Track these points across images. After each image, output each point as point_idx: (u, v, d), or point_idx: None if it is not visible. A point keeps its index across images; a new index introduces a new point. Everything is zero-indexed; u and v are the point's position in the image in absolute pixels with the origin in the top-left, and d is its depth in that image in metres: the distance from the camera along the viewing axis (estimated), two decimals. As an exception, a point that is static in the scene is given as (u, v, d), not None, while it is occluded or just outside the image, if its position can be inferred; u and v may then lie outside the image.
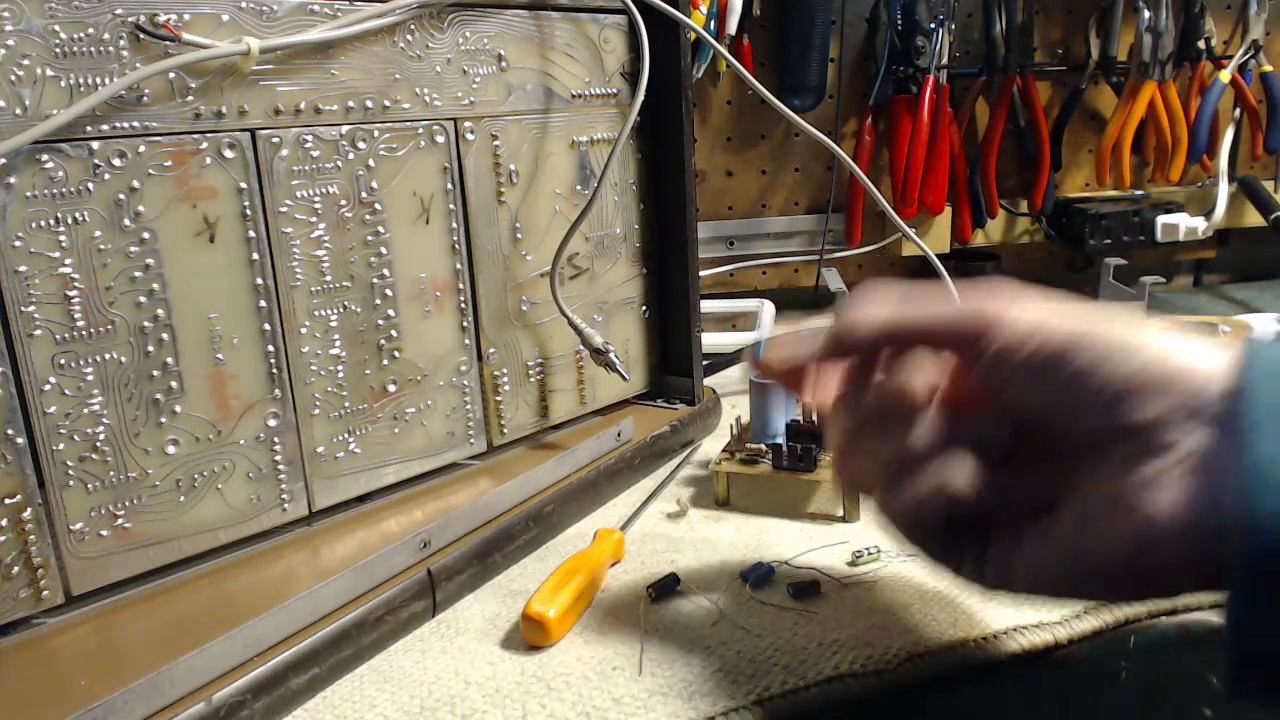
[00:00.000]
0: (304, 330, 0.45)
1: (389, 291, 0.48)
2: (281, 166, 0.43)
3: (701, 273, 0.76)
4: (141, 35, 0.38)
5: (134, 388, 0.40)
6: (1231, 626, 0.28)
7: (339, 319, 0.46)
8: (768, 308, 0.86)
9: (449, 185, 0.49)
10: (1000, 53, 0.91)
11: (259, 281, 0.43)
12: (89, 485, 0.39)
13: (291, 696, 0.37)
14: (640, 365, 0.62)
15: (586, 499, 0.52)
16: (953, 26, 0.90)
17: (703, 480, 0.56)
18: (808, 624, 0.40)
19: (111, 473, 0.40)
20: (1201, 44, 0.93)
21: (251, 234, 0.42)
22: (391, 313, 0.48)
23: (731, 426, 0.56)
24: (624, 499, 0.54)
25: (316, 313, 0.45)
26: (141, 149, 0.39)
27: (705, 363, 0.66)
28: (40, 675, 0.36)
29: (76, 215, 0.38)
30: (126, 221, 0.39)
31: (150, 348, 0.40)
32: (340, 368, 0.46)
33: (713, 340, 0.75)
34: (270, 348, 0.44)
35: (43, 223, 0.37)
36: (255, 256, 0.43)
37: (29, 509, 0.38)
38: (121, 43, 0.38)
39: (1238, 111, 0.96)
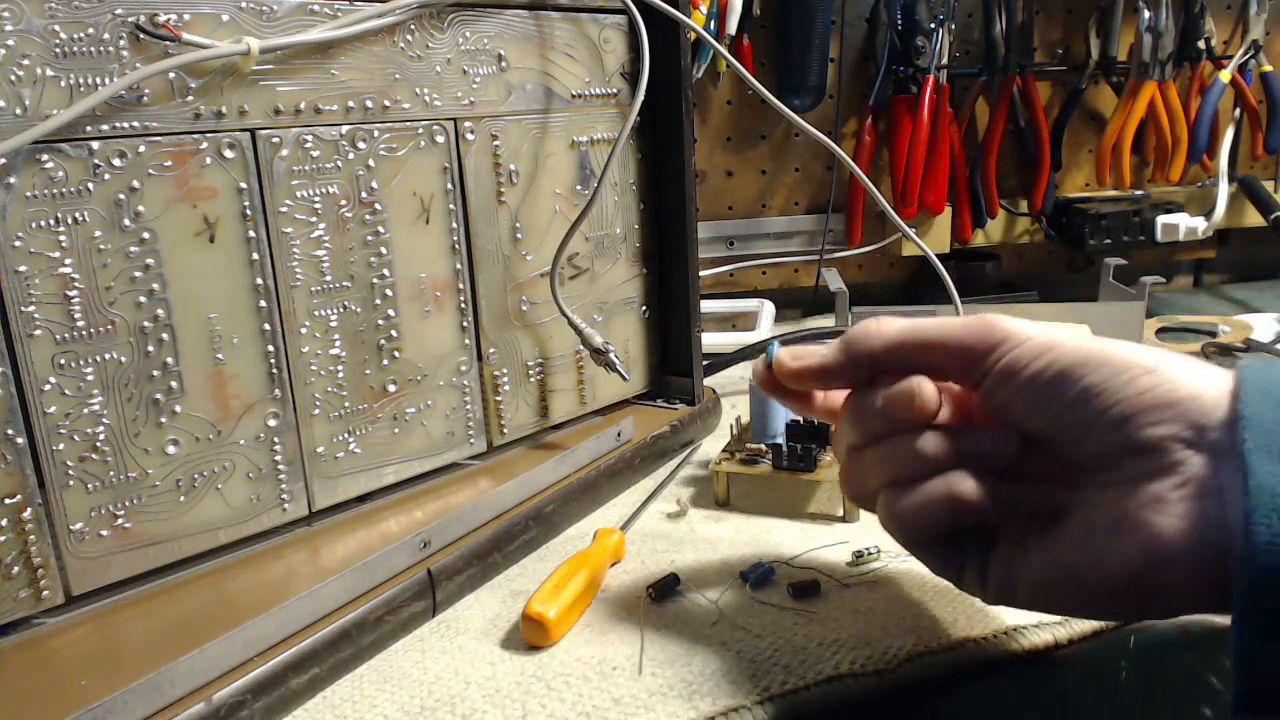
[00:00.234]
0: (304, 330, 0.45)
1: (389, 291, 0.48)
2: (281, 166, 0.43)
3: (701, 273, 0.76)
4: (141, 35, 0.38)
5: (134, 388, 0.40)
6: (1236, 648, 0.28)
7: (339, 319, 0.46)
8: (768, 308, 0.87)
9: (449, 185, 0.49)
10: (1000, 53, 0.91)
11: (259, 281, 0.43)
12: (89, 485, 0.39)
13: (291, 696, 0.37)
14: (640, 365, 0.62)
15: (586, 499, 0.52)
16: (953, 26, 0.90)
17: (703, 480, 0.56)
18: (808, 624, 0.40)
19: (111, 473, 0.40)
20: (1201, 44, 0.93)
21: (251, 234, 0.42)
22: (391, 313, 0.48)
23: (731, 426, 0.56)
24: (624, 499, 0.54)
25: (316, 313, 0.45)
26: (141, 149, 0.39)
27: (705, 363, 0.66)
28: (40, 675, 0.36)
29: (76, 215, 0.38)
30: (126, 221, 0.39)
31: (150, 348, 0.40)
32: (340, 368, 0.46)
33: (713, 340, 0.75)
34: (270, 348, 0.44)
35: (43, 223, 0.37)
36: (255, 256, 0.43)
37: (29, 509, 0.38)
38: (121, 43, 0.38)
39: (1238, 111, 0.96)
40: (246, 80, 0.41)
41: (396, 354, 0.48)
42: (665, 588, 0.43)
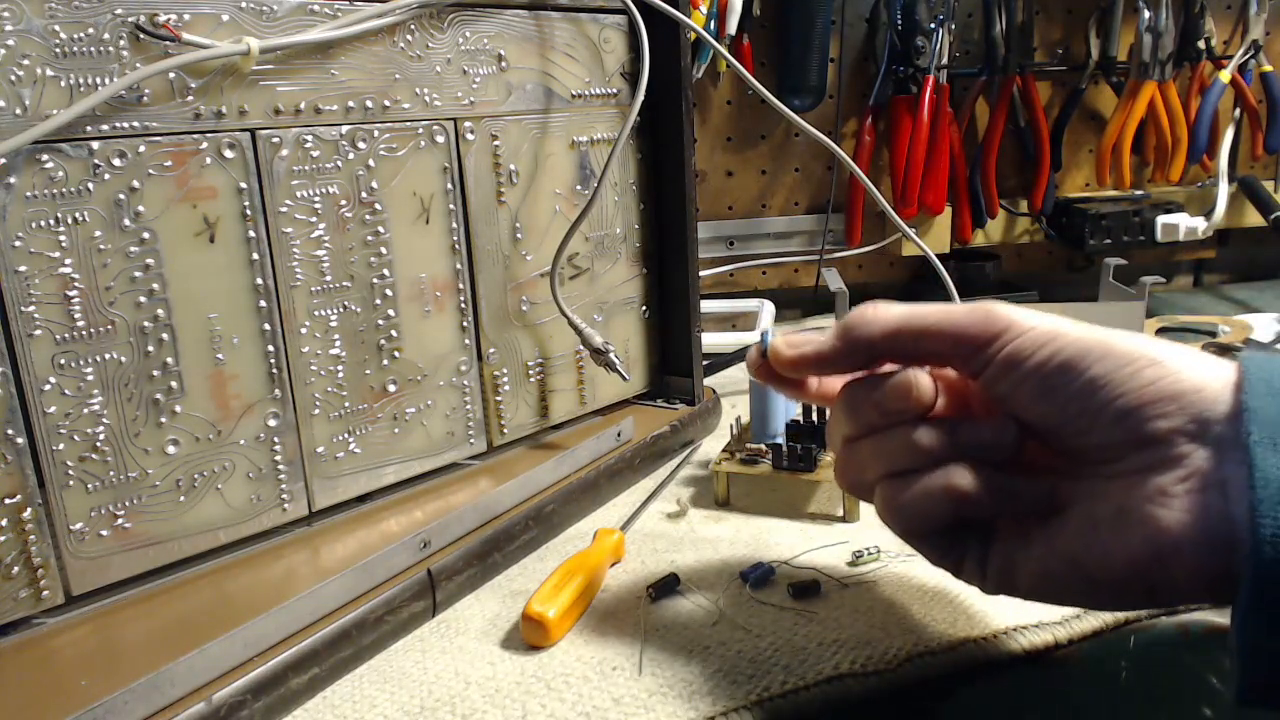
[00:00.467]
0: (304, 330, 0.45)
1: (389, 291, 0.48)
2: (281, 166, 0.43)
3: (701, 273, 0.76)
4: (141, 35, 0.38)
5: (134, 388, 0.40)
6: (1239, 641, 0.28)
7: (339, 319, 0.46)
8: (768, 308, 0.86)
9: (449, 185, 0.49)
10: (1000, 53, 0.91)
11: (259, 281, 0.43)
12: (89, 485, 0.39)
13: (291, 696, 0.37)
14: (640, 365, 0.62)
15: (586, 499, 0.52)
16: (953, 26, 0.90)
17: (703, 480, 0.56)
18: (808, 624, 0.40)
19: (111, 473, 0.40)
20: (1201, 44, 0.93)
21: (251, 234, 0.42)
22: (391, 313, 0.48)
23: (731, 426, 0.56)
24: (624, 499, 0.54)
25: (316, 313, 0.45)
26: (141, 149, 0.39)
27: (705, 363, 0.66)
28: (40, 675, 0.36)
29: (76, 215, 0.38)
30: (126, 221, 0.39)
31: (150, 348, 0.40)
32: (340, 368, 0.46)
33: (713, 340, 0.75)
34: (270, 348, 0.44)
35: (43, 223, 0.37)
36: (255, 256, 0.43)
37: (29, 509, 0.38)
38: (121, 43, 0.38)
39: (1238, 111, 0.97)
40: (246, 80, 0.41)
41: (396, 354, 0.48)
42: (665, 588, 0.43)
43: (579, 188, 0.56)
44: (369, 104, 0.45)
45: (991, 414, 0.34)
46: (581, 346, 0.56)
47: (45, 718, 0.33)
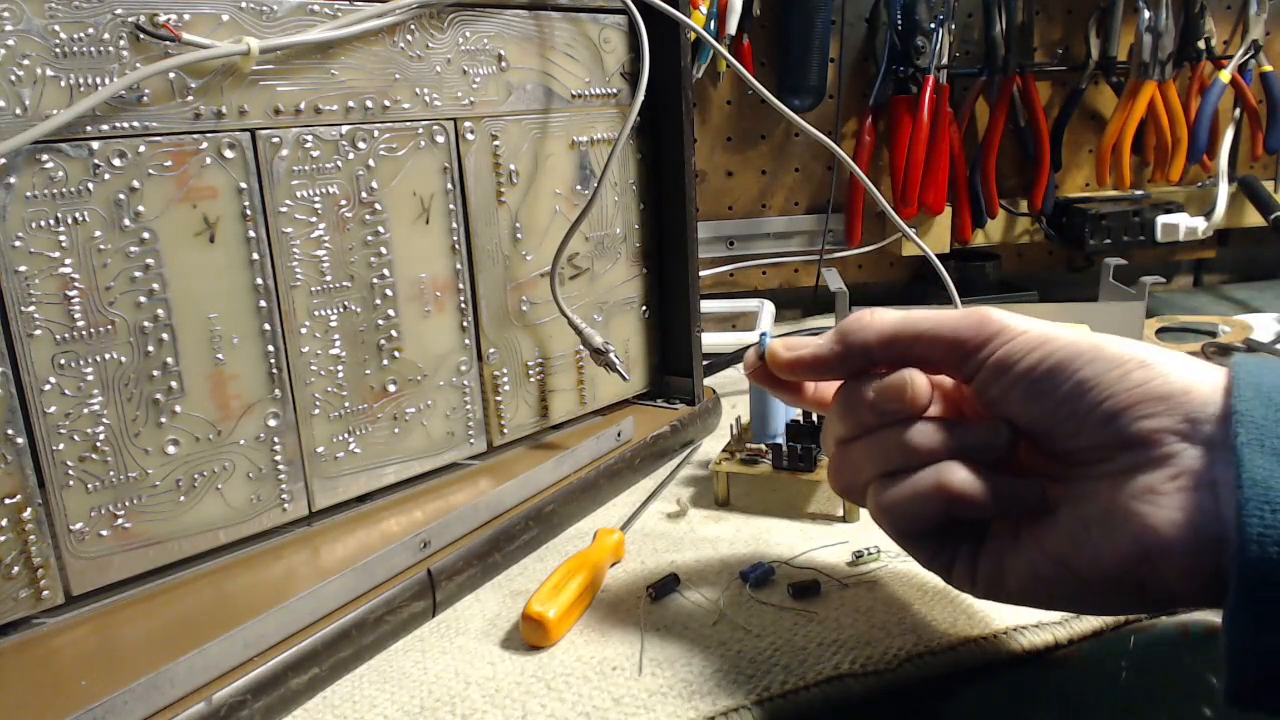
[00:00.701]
0: (304, 330, 0.45)
1: (389, 291, 0.48)
2: (281, 166, 0.43)
3: (701, 273, 0.76)
4: (141, 35, 0.38)
5: (134, 388, 0.40)
6: (1228, 640, 0.28)
7: (339, 319, 0.46)
8: (768, 308, 0.86)
9: (449, 185, 0.49)
10: (1000, 53, 0.91)
11: (259, 281, 0.43)
12: (89, 485, 0.39)
13: (291, 696, 0.37)
14: (640, 365, 0.62)
15: (586, 499, 0.52)
16: (953, 26, 0.90)
17: (703, 480, 0.56)
18: (808, 624, 0.40)
19: (111, 473, 0.40)
20: (1201, 44, 0.93)
21: (251, 234, 0.42)
22: (391, 313, 0.48)
23: (731, 426, 0.56)
24: (624, 499, 0.54)
25: (316, 313, 0.45)
26: (141, 149, 0.39)
27: (705, 363, 0.66)
28: (40, 675, 0.36)
29: (76, 215, 0.38)
30: (126, 221, 0.39)
31: (150, 348, 0.40)
32: (340, 368, 0.46)
33: (713, 340, 0.75)
34: (270, 348, 0.44)
35: (43, 223, 0.37)
36: (255, 256, 0.43)
37: (29, 509, 0.38)
38: (121, 43, 0.38)
39: (1238, 111, 0.96)
40: (246, 80, 0.41)
41: (396, 354, 0.48)
42: (665, 587, 0.43)
43: (579, 188, 0.56)
44: (369, 104, 0.45)
45: (984, 418, 0.34)
46: (581, 346, 0.56)
47: (45, 718, 0.33)
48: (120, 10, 0.38)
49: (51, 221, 0.37)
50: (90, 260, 0.38)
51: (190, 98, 0.40)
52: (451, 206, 0.50)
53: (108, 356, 0.39)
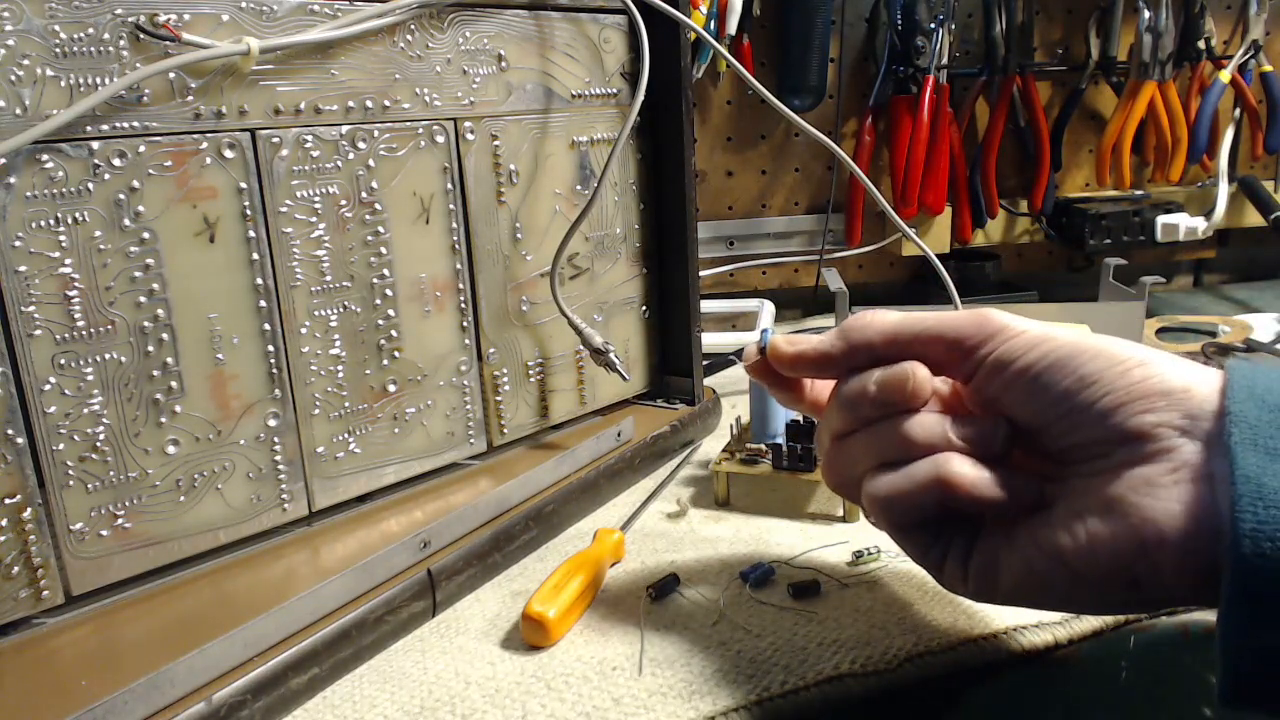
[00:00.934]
0: (304, 330, 0.45)
1: (389, 291, 0.48)
2: (281, 166, 0.43)
3: (701, 273, 0.76)
4: (141, 35, 0.38)
5: (134, 388, 0.40)
6: (1221, 635, 0.28)
7: (339, 319, 0.46)
8: (768, 308, 0.86)
9: (449, 185, 0.49)
10: (1000, 53, 0.91)
11: (259, 281, 0.43)
12: (89, 485, 0.39)
13: (291, 696, 0.37)
14: (640, 365, 0.62)
15: (586, 499, 0.52)
16: (953, 26, 0.90)
17: (703, 480, 0.56)
18: (808, 624, 0.40)
19: (111, 473, 0.40)
20: (1201, 44, 0.93)
21: (251, 234, 0.42)
22: (391, 313, 0.48)
23: (731, 426, 0.56)
24: (624, 499, 0.54)
25: (316, 313, 0.45)
26: (141, 149, 0.39)
27: (705, 363, 0.66)
28: (40, 675, 0.36)
29: (76, 215, 0.38)
30: (126, 221, 0.39)
31: (150, 348, 0.40)
32: (340, 368, 0.46)
33: (713, 340, 0.75)
34: (270, 348, 0.44)
35: (43, 223, 0.37)
36: (255, 256, 0.43)
37: (29, 509, 0.38)
38: (121, 43, 0.38)
39: (1238, 111, 0.96)
40: (246, 80, 0.41)
41: (396, 354, 0.48)
42: (665, 587, 0.43)
43: (579, 188, 0.56)
44: (369, 104, 0.45)
45: (983, 410, 0.34)
46: (581, 346, 0.56)
47: (45, 718, 0.33)
48: (120, 10, 0.38)
49: (51, 221, 0.37)
50: (90, 260, 0.38)
51: (190, 98, 0.40)
52: (451, 206, 0.50)
53: (108, 356, 0.39)
